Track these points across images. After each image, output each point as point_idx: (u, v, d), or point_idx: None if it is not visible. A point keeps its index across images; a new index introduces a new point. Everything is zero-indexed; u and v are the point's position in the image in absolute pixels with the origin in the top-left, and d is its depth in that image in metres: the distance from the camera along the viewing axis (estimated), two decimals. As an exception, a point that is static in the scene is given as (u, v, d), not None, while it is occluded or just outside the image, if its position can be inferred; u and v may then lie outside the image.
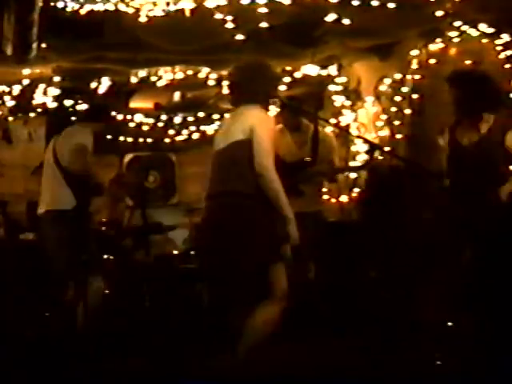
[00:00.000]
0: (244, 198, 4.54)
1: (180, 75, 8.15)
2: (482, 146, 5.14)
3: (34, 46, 6.27)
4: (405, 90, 7.74)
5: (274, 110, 7.47)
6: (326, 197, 7.68)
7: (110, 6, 6.34)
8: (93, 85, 8.19)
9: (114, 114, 7.27)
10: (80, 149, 6.01)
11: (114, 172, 8.68)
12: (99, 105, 6.91)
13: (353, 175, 8.20)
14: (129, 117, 9.52)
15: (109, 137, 9.24)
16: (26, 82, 8.02)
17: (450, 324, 5.34)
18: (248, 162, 4.53)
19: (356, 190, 8.21)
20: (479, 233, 5.02)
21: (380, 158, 6.90)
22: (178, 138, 10.05)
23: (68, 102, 8.50)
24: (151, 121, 9.69)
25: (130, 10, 6.40)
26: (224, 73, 7.50)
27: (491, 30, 6.91)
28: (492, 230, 4.99)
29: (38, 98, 8.49)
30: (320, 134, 6.81)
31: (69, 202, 5.96)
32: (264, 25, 6.57)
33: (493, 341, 4.86)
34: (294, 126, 6.80)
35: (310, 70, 8.22)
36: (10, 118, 9.14)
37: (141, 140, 9.94)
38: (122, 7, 6.36)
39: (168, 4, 6.38)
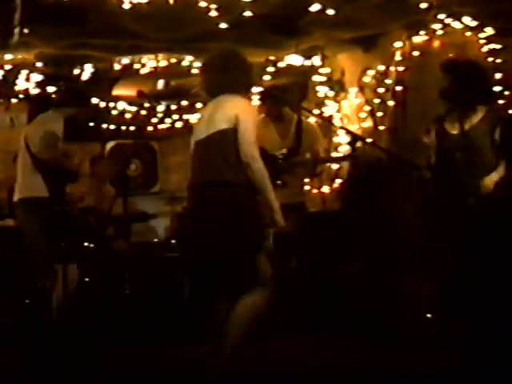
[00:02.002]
0: (231, 187, 4.52)
1: (163, 63, 8.12)
2: (470, 137, 5.14)
3: (17, 31, 6.23)
4: (388, 81, 7.75)
5: (255, 99, 7.47)
6: (307, 187, 7.69)
7: (94, -7, 6.31)
8: (75, 71, 8.15)
9: (89, 99, 7.20)
10: (49, 136, 5.99)
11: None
12: (72, 89, 6.88)
13: (335, 166, 8.21)
14: (111, 104, 9.48)
15: (91, 124, 9.22)
16: (8, 67, 7.96)
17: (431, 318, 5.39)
18: (233, 151, 4.52)
19: (338, 180, 8.23)
20: (465, 224, 5.02)
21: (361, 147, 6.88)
22: (161, 127, 10.03)
23: (50, 89, 8.46)
24: (134, 109, 9.66)
25: (114, -3, 6.36)
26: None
27: (475, 23, 6.93)
28: (478, 220, 4.99)
29: (21, 83, 8.44)
30: (304, 124, 6.80)
31: (40, 189, 5.94)
32: (248, 14, 6.55)
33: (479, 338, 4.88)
34: (277, 116, 6.78)
35: (294, 59, 8.22)
36: (-8, 104, 9.10)
37: (123, 128, 9.90)
38: (105, -6, 6.33)
39: (152, -9, 6.35)
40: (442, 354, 4.97)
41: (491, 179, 5.05)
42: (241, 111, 4.55)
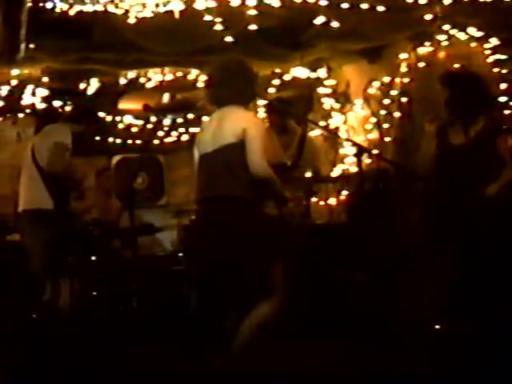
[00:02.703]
0: (239, 201, 4.53)
1: (169, 77, 8.14)
2: (472, 147, 5.16)
3: (23, 46, 6.26)
4: (394, 93, 7.76)
5: (260, 111, 7.49)
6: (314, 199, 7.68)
7: (99, 7, 6.32)
8: (82, 85, 8.18)
9: (97, 117, 7.20)
10: (59, 147, 5.97)
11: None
12: (82, 106, 6.88)
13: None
14: (118, 118, 9.50)
15: (97, 138, 9.23)
16: (14, 82, 7.99)
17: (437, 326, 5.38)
18: (241, 164, 4.52)
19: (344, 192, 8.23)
20: (467, 232, 5.04)
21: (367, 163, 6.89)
22: (167, 140, 10.04)
23: (56, 103, 8.49)
24: (140, 122, 9.68)
25: (120, 12, 6.38)
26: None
27: (480, 34, 6.93)
28: (481, 229, 5.01)
29: (27, 98, 8.47)
30: (307, 139, 6.78)
31: (46, 201, 5.94)
32: (253, 27, 6.56)
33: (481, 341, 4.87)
34: (281, 127, 6.77)
35: (300, 72, 8.23)
36: (-1, 119, 9.13)
37: (129, 141, 9.92)
38: (111, 8, 6.34)
39: (157, 6, 6.37)
40: (442, 354, 4.96)
41: (494, 187, 5.07)
42: (248, 124, 4.54)
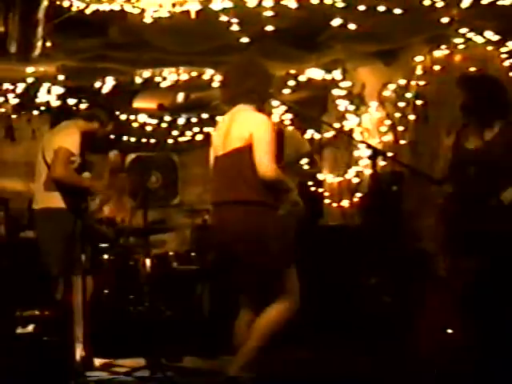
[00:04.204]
0: (254, 206, 4.52)
1: (184, 76, 8.15)
2: (487, 151, 5.14)
3: (39, 44, 6.27)
4: (409, 95, 7.74)
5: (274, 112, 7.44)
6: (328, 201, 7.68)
7: (116, 6, 6.33)
8: (97, 84, 8.21)
9: (113, 114, 7.15)
10: (62, 153, 5.88)
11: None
12: (96, 103, 6.85)
13: (355, 180, 8.20)
14: (132, 117, 9.52)
15: (111, 136, 9.26)
16: (30, 80, 8.02)
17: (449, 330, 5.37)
18: (250, 168, 4.51)
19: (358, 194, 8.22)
20: (482, 239, 5.02)
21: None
22: (181, 139, 10.06)
23: (71, 101, 8.51)
24: (154, 121, 9.70)
25: (136, 11, 6.39)
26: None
27: (497, 38, 6.90)
28: (494, 235, 4.99)
29: (42, 96, 8.50)
30: (287, 133, 6.65)
31: (58, 200, 5.93)
32: (269, 28, 6.56)
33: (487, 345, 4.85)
34: None
35: (315, 73, 8.22)
36: (14, 116, 9.16)
37: (144, 140, 9.95)
38: (127, 8, 6.35)
39: (174, 5, 6.37)
40: (445, 354, 4.96)
41: (509, 192, 5.04)
42: (255, 127, 4.52)
